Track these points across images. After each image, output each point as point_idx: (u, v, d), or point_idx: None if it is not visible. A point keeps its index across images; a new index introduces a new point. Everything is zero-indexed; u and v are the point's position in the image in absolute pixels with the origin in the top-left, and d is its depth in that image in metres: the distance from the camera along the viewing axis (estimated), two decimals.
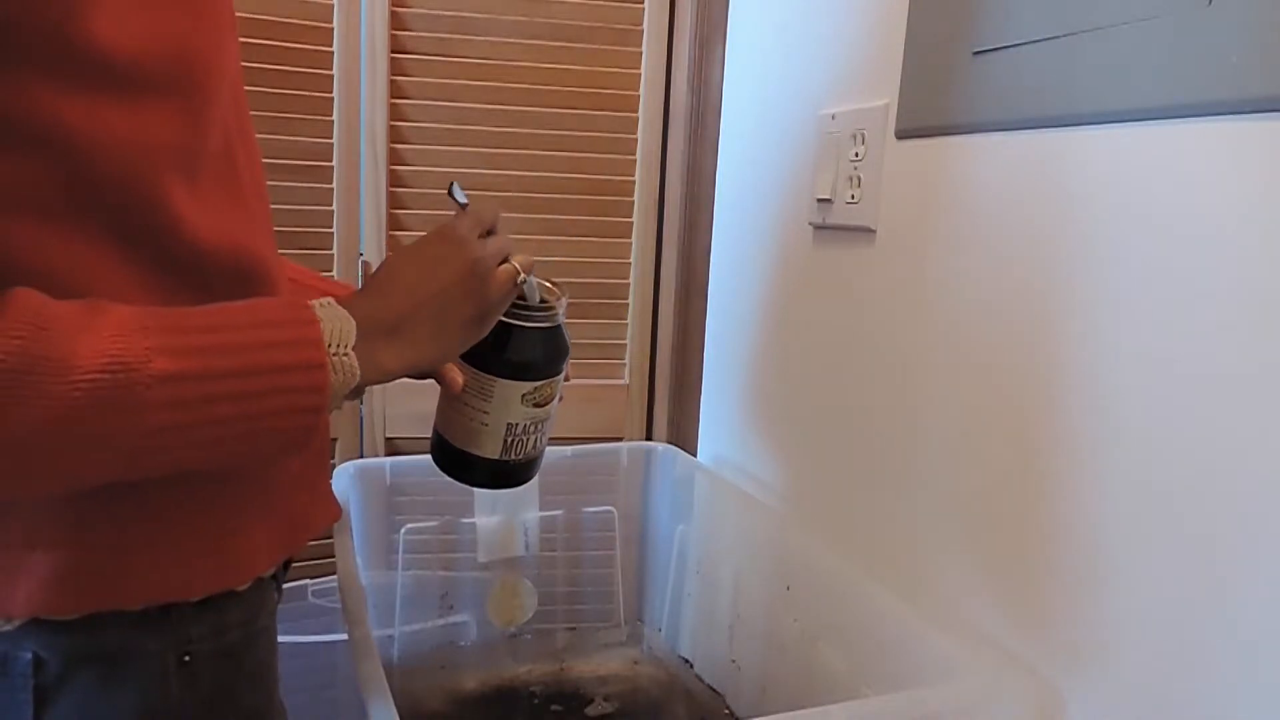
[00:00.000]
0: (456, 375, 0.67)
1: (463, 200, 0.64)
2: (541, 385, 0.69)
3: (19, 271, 0.46)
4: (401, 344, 0.58)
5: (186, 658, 0.57)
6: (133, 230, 0.52)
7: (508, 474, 0.72)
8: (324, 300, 0.55)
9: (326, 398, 0.52)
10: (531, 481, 0.94)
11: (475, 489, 0.75)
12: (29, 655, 0.53)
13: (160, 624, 0.55)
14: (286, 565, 0.70)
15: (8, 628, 0.53)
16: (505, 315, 0.67)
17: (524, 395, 0.69)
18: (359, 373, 0.54)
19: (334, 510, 0.70)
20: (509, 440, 0.70)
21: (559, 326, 0.70)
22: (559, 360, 0.70)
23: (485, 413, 0.68)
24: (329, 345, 0.53)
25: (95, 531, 0.54)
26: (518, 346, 0.67)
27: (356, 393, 0.59)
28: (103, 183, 0.50)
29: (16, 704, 0.53)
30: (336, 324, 0.54)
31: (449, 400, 0.70)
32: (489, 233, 0.64)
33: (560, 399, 0.72)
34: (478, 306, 0.62)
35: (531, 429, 0.70)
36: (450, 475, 0.73)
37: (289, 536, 0.63)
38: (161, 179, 0.52)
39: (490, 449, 0.70)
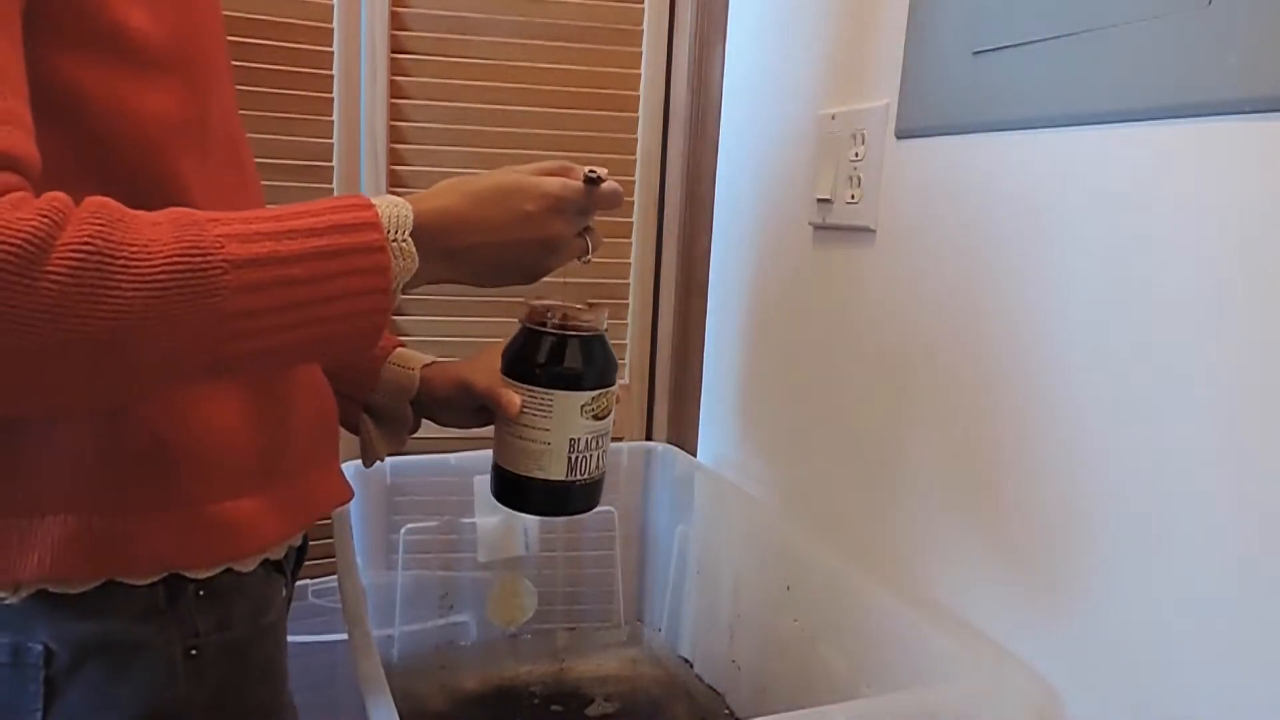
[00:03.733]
0: (513, 397, 0.68)
1: (594, 177, 0.63)
2: (599, 395, 0.69)
3: None
4: (450, 267, 0.59)
5: (194, 651, 0.57)
6: (145, 202, 0.53)
7: (577, 496, 0.72)
8: (382, 196, 0.56)
9: (389, 278, 0.53)
10: None
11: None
12: (40, 647, 0.54)
13: (167, 615, 0.56)
14: (299, 560, 0.70)
15: (13, 600, 0.54)
16: (554, 328, 0.69)
17: (583, 406, 0.69)
18: (416, 262, 0.55)
19: (344, 490, 0.70)
20: (573, 458, 0.69)
21: (604, 335, 0.70)
22: (612, 369, 0.71)
23: (547, 430, 0.69)
24: (387, 231, 0.54)
25: (104, 497, 0.55)
26: (572, 355, 0.68)
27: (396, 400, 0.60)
28: (118, 153, 0.53)
29: (28, 694, 0.55)
30: (393, 210, 0.55)
31: (507, 427, 0.70)
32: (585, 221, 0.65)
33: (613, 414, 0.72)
34: (534, 270, 0.63)
35: (594, 444, 0.70)
36: (517, 508, 0.72)
37: (297, 512, 0.64)
38: (173, 153, 0.55)
39: (556, 470, 0.69)
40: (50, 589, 0.54)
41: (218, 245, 0.47)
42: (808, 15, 1.04)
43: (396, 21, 1.15)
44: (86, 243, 0.43)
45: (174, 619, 0.57)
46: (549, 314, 0.69)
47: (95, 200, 0.46)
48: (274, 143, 1.11)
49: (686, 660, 1.18)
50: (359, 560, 0.87)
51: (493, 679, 1.15)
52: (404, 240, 0.55)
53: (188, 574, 0.58)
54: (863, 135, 0.92)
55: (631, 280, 1.28)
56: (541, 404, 0.68)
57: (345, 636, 0.76)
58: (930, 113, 0.84)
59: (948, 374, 0.82)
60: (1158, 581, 0.63)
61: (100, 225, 0.44)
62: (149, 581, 0.56)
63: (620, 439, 1.29)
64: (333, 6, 1.11)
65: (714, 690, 1.11)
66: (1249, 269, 0.57)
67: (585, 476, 0.71)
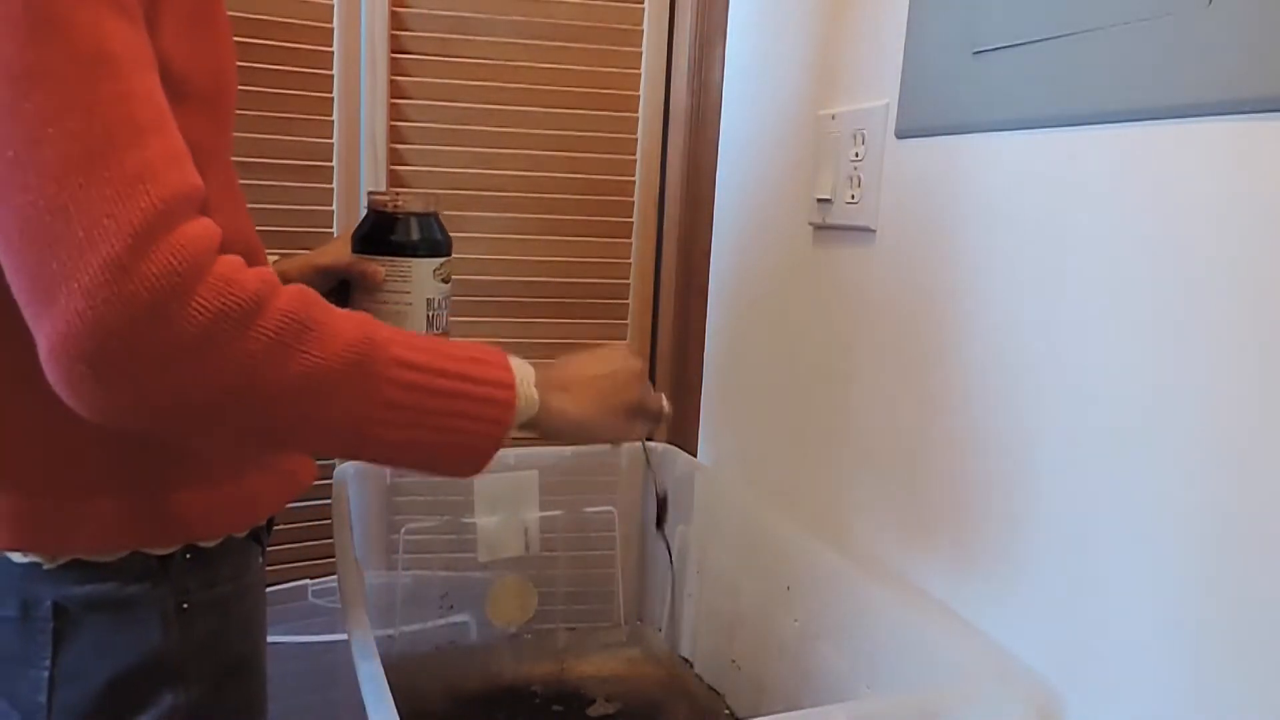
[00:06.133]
0: (376, 267, 0.81)
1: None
2: (444, 262, 0.84)
3: None
4: (570, 397, 0.68)
5: (185, 605, 0.65)
6: None
7: None
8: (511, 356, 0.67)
9: (513, 413, 0.62)
10: (531, 481, 0.99)
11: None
12: (49, 603, 0.62)
13: (160, 575, 0.64)
14: (270, 525, 0.78)
15: (50, 565, 0.61)
16: (398, 211, 0.82)
17: (434, 271, 0.83)
18: (537, 404, 0.64)
19: (314, 469, 0.79)
20: (430, 315, 0.83)
21: (439, 215, 0.85)
22: (449, 242, 0.85)
23: (407, 293, 0.81)
24: (518, 378, 0.64)
25: (144, 478, 0.63)
26: (423, 229, 0.83)
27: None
28: None
29: (37, 644, 0.62)
30: (520, 364, 0.65)
31: (370, 296, 0.82)
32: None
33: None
34: (633, 400, 0.73)
35: (443, 305, 0.84)
36: None
37: (282, 490, 0.73)
38: (205, 179, 0.60)
39: (418, 326, 0.82)
40: (82, 557, 0.62)
41: (387, 343, 0.57)
42: (808, 15, 1.04)
43: (396, 21, 1.15)
44: (294, 313, 0.53)
45: (167, 578, 0.65)
46: (389, 201, 0.82)
47: (302, 286, 0.55)
48: (274, 143, 1.11)
49: (686, 660, 1.18)
50: (359, 560, 0.87)
51: (493, 679, 1.15)
52: (529, 387, 0.64)
53: (202, 543, 0.66)
54: (863, 135, 0.92)
55: (631, 280, 1.28)
56: (401, 271, 0.81)
57: (345, 636, 0.76)
58: (930, 113, 0.84)
59: (949, 373, 0.82)
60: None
61: (305, 305, 0.54)
62: (169, 551, 0.64)
63: None
64: (333, 6, 1.11)
65: (714, 690, 1.11)
66: (1249, 268, 0.57)
67: (440, 332, 0.84)
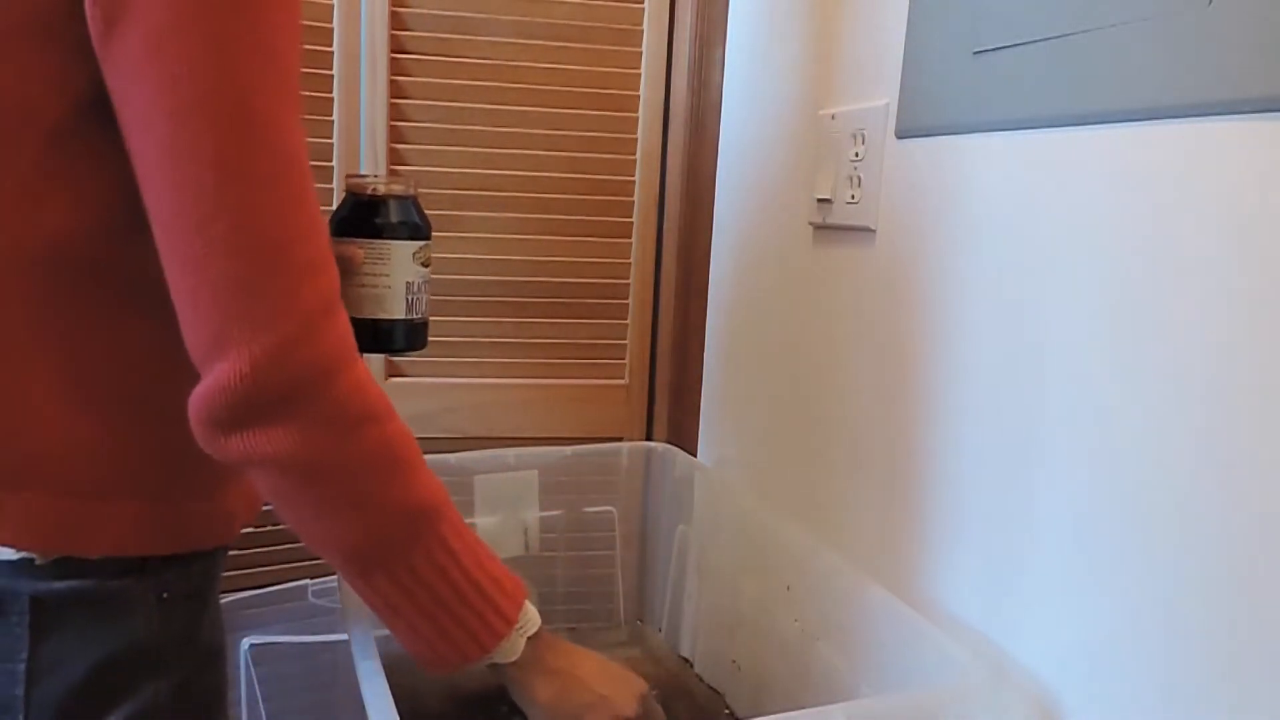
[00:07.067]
0: (354, 250, 0.80)
1: None
2: (424, 245, 0.83)
3: (157, 281, 0.57)
4: (548, 681, 0.73)
5: (165, 595, 0.67)
6: None
7: (415, 331, 0.85)
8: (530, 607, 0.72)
9: (494, 644, 0.68)
10: (531, 481, 1.00)
11: (390, 354, 0.95)
12: (26, 597, 0.62)
13: (142, 571, 0.66)
14: None
15: (43, 562, 0.62)
16: (377, 194, 0.81)
17: (414, 254, 0.83)
18: (517, 655, 0.70)
19: None
20: (410, 299, 0.83)
21: (417, 199, 0.84)
22: (429, 226, 0.85)
23: (386, 275, 0.81)
24: (521, 621, 0.70)
25: (164, 486, 0.65)
26: (404, 213, 0.82)
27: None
28: None
29: (13, 638, 0.62)
30: (531, 614, 0.71)
31: (349, 279, 0.80)
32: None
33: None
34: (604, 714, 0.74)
35: (423, 289, 0.84)
36: (370, 350, 0.82)
37: (252, 504, 0.76)
38: None
39: (397, 309, 0.82)
40: (75, 554, 0.62)
41: (447, 522, 0.64)
42: (807, 15, 1.04)
43: (396, 21, 1.15)
44: (402, 439, 0.62)
45: (148, 573, 0.66)
46: (369, 185, 0.82)
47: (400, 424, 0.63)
48: None
49: (686, 660, 1.18)
50: None
51: (494, 679, 1.15)
52: (522, 635, 0.70)
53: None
54: (863, 135, 0.92)
55: (631, 280, 1.28)
56: (380, 254, 0.81)
57: (345, 636, 0.76)
58: (930, 113, 0.84)
59: (948, 374, 0.82)
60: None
61: (411, 439, 0.63)
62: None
63: (620, 439, 1.29)
64: (332, 6, 1.11)
65: (714, 690, 1.11)
66: (1249, 268, 0.57)
67: (419, 316, 0.85)
